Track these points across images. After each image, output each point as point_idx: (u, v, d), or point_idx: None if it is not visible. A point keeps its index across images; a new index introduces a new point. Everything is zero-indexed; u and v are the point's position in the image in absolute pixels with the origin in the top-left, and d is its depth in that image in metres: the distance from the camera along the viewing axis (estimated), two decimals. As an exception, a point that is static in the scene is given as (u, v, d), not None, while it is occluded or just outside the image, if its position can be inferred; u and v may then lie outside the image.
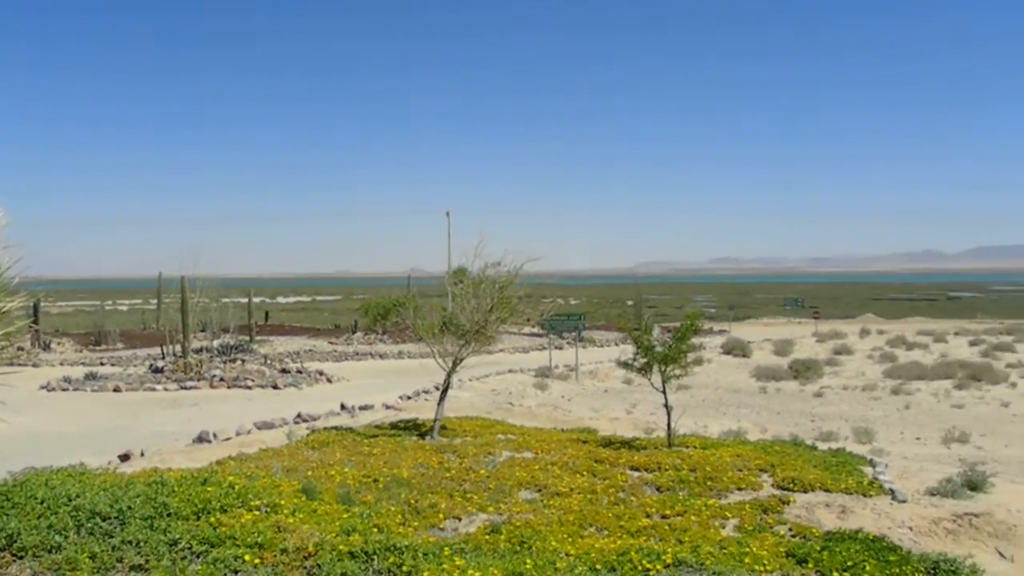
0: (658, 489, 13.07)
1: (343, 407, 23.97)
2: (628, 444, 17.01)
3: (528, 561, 8.74)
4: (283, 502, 10.55)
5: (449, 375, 18.56)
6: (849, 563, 8.99)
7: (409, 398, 27.15)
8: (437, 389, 18.67)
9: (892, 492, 13.44)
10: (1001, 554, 12.20)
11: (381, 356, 43.52)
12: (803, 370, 38.58)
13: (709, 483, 13.23)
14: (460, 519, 11.33)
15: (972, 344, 51.16)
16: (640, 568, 8.64)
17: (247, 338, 45.26)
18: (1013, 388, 35.07)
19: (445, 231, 46.65)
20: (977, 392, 33.94)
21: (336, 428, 19.23)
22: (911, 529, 12.27)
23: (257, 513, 9.97)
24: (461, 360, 18.52)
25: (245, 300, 52.62)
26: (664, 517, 11.41)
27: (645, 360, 17.21)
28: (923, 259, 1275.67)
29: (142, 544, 8.75)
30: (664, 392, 17.31)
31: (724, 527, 11.10)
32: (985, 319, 77.75)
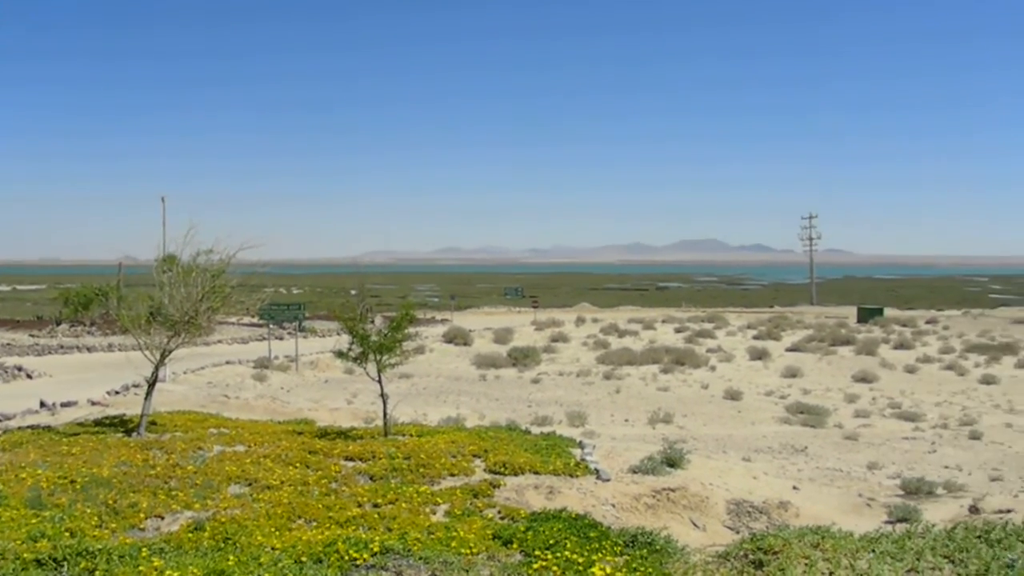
0: (371, 478, 13.05)
1: (43, 405, 22.47)
2: (344, 434, 16.90)
3: (231, 557, 8.48)
4: (-39, 510, 9.75)
5: (157, 368, 17.74)
6: (551, 541, 9.27)
7: (117, 393, 25.81)
8: (149, 383, 17.80)
9: (597, 472, 14.04)
10: (695, 524, 13.04)
11: (89, 349, 41.16)
12: (522, 357, 39.68)
13: (422, 470, 13.34)
14: (163, 518, 10.86)
15: (677, 331, 54.36)
16: (347, 558, 8.55)
17: (-66, 332, 41.63)
18: (712, 371, 37.59)
19: (160, 218, 44.63)
20: (681, 375, 36.14)
21: (33, 427, 18.00)
22: (614, 506, 12.87)
23: (-72, 524, 9.15)
24: (170, 352, 17.74)
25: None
26: (376, 506, 11.40)
27: (361, 349, 17.13)
28: (634, 251, 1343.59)
29: None
30: (380, 381, 17.31)
31: (435, 513, 11.22)
32: (689, 307, 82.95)
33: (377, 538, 9.22)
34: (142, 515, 10.72)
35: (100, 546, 8.55)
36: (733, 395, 30.35)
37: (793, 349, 45.19)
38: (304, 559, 8.57)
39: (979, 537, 9.32)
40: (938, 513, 13.96)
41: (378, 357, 17.06)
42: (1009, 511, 13.45)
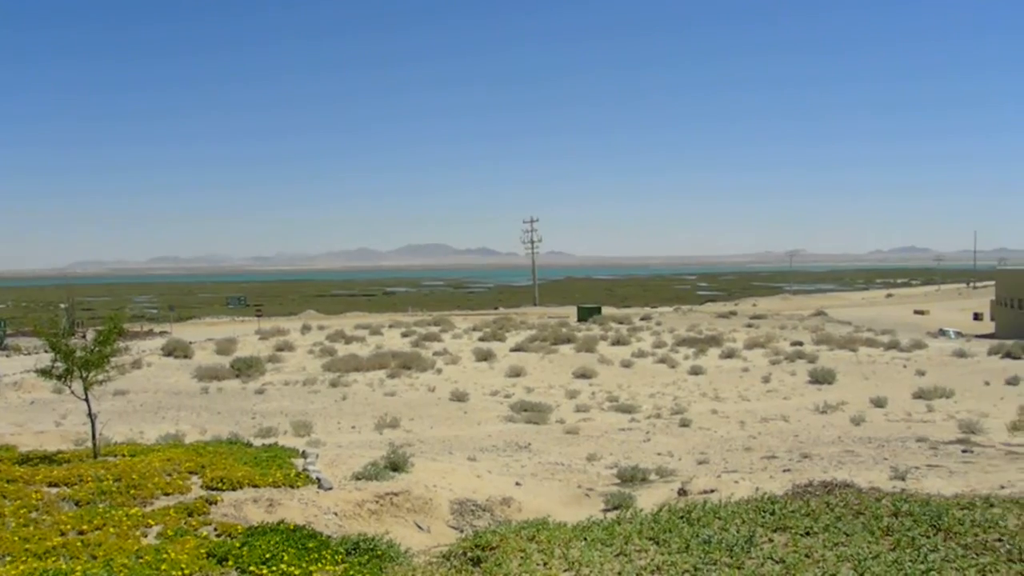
0: (77, 504, 12.23)
1: None
2: (50, 458, 15.77)
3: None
4: None
5: None
6: (268, 555, 9.03)
7: None
8: None
9: (319, 480, 13.85)
10: (419, 526, 13.10)
11: None
12: (245, 368, 38.74)
13: (134, 491, 12.66)
14: None
15: (404, 335, 54.65)
16: (45, 592, 7.97)
17: None
18: (439, 374, 38.01)
19: None
20: (408, 380, 36.33)
21: None
22: (337, 514, 12.72)
23: None
24: None
25: None
26: (81, 533, 10.68)
27: (65, 366, 16.06)
28: (360, 257, 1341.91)
29: None
30: (87, 400, 16.30)
31: (146, 535, 10.67)
32: (416, 312, 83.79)
33: (79, 568, 8.65)
34: None
35: None
36: (459, 397, 30.81)
37: (517, 349, 46.46)
38: (-5, 597, 7.93)
39: (682, 518, 9.87)
40: (652, 498, 14.69)
41: (84, 374, 16.05)
42: (712, 491, 14.34)
